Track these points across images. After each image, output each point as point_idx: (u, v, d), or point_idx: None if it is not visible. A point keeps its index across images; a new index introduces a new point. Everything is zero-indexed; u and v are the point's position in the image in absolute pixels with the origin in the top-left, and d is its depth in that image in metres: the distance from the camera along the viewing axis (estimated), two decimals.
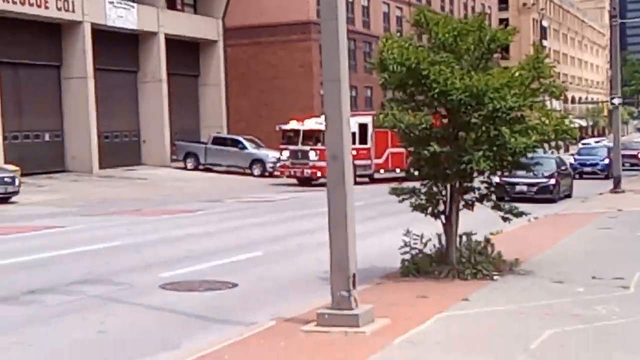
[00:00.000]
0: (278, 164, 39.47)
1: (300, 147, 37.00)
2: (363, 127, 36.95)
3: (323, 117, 38.36)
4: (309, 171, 36.51)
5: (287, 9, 51.89)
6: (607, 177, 39.73)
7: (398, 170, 36.32)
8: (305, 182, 36.98)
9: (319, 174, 35.79)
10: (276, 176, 39.66)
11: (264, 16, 52.45)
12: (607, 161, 42.22)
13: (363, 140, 37.17)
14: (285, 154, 37.83)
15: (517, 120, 11.71)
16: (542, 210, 22.37)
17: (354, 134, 30.19)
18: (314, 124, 37.23)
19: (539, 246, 15.17)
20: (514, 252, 12.86)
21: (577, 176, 39.99)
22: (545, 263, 13.10)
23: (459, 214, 12.09)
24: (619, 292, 10.70)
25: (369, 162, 37.98)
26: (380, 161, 38.44)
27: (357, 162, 31.74)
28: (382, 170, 38.66)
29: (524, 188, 26.76)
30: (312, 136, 36.79)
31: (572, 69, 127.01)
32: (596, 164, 43.29)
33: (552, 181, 27.78)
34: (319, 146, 35.90)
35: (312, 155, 36.28)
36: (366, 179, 37.16)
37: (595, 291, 10.77)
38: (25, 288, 11.82)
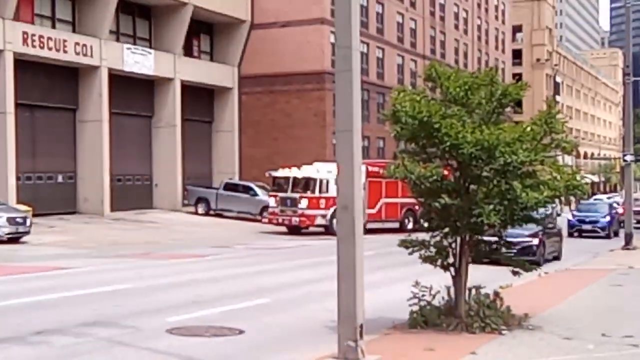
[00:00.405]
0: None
1: (289, 194, 35.96)
2: None
3: (314, 164, 37.71)
4: (297, 219, 35.54)
5: (303, 58, 52.42)
6: (608, 236, 37.18)
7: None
8: (295, 230, 36.29)
9: (307, 222, 35.37)
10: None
11: (279, 65, 53.00)
12: (608, 218, 38.70)
13: None
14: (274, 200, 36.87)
15: (529, 174, 11.76)
16: (553, 265, 22.26)
17: None
18: (303, 171, 36.85)
19: (548, 301, 15.08)
20: (524, 307, 12.80)
21: (575, 234, 37.65)
22: (554, 318, 13.02)
23: (468, 267, 12.08)
24: (628, 351, 10.61)
25: None
26: (373, 211, 37.25)
27: None
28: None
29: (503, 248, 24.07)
30: (301, 183, 36.18)
31: (585, 125, 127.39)
32: (596, 222, 38.51)
33: (536, 241, 23.74)
34: (309, 194, 35.49)
35: (302, 203, 35.43)
36: None
37: (604, 349, 10.68)
38: (33, 329, 11.82)
